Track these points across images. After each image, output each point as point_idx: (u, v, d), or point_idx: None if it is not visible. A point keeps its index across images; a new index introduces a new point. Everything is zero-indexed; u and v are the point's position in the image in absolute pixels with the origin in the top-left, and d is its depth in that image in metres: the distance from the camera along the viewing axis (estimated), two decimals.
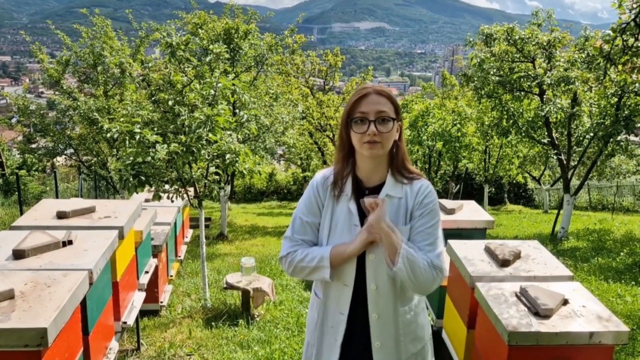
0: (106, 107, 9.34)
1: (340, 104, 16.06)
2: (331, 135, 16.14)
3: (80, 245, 2.50)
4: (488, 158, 15.01)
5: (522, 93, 9.64)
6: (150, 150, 3.91)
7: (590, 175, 13.15)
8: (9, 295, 1.89)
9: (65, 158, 11.35)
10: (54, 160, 12.08)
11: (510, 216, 15.17)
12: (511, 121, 9.98)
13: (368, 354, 1.71)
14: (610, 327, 2.01)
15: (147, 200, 5.29)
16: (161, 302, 4.44)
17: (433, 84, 21.51)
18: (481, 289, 2.36)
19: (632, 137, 9.32)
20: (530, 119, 9.88)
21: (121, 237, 2.81)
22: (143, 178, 3.93)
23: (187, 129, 4.24)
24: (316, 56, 16.64)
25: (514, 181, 19.68)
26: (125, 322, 3.00)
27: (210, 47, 5.62)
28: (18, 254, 2.31)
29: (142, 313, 4.06)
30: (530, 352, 2.02)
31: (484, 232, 3.68)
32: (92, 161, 10.66)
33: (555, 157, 9.76)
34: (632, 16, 4.52)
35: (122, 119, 4.76)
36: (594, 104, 8.98)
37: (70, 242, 2.49)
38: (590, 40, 8.36)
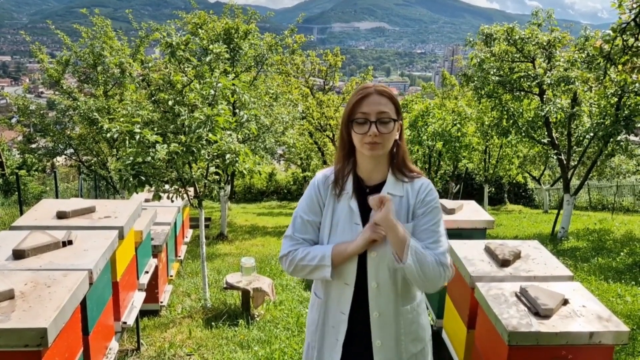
0: (106, 107, 9.34)
1: (340, 104, 16.05)
2: (331, 135, 16.14)
3: (80, 245, 2.50)
4: (488, 158, 15.01)
5: (522, 93, 9.63)
6: (150, 150, 3.91)
7: (590, 175, 13.15)
8: (9, 295, 1.89)
9: (65, 158, 11.36)
10: (54, 160, 12.09)
11: (510, 216, 15.17)
12: (511, 121, 9.98)
13: (369, 354, 1.71)
14: (610, 327, 2.02)
15: (147, 200, 5.29)
16: (161, 302, 4.44)
17: (433, 84, 21.50)
18: (481, 289, 2.36)
19: (632, 137, 9.32)
20: (530, 118, 9.88)
21: (121, 237, 2.81)
22: (143, 178, 3.93)
23: (187, 129, 4.24)
24: (316, 56, 16.63)
25: (514, 181, 19.68)
26: (125, 322, 3.00)
27: (210, 47, 5.62)
28: (18, 254, 2.31)
29: (142, 313, 4.06)
30: (530, 352, 2.02)
31: (484, 232, 3.68)
32: (92, 161, 10.66)
33: (555, 157, 9.76)
34: (632, 16, 4.52)
35: (122, 119, 4.76)
36: (594, 104, 8.98)
37: (70, 242, 2.49)
38: (590, 40, 8.35)
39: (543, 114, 8.85)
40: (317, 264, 1.67)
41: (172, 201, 4.47)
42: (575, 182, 10.95)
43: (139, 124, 4.10)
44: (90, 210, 3.04)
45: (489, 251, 2.80)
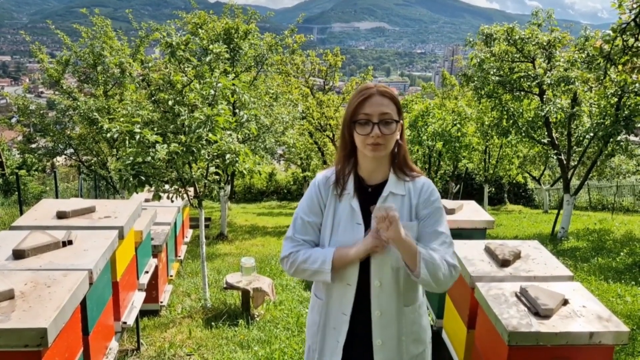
0: (106, 107, 9.34)
1: (340, 104, 16.04)
2: (331, 135, 16.13)
3: (80, 245, 2.50)
4: (488, 158, 15.01)
5: (522, 93, 9.63)
6: (150, 150, 3.91)
7: (590, 175, 13.15)
8: (9, 295, 1.89)
9: (65, 158, 11.36)
10: (54, 160, 12.08)
11: (510, 216, 15.18)
12: (511, 121, 9.98)
13: (370, 355, 1.71)
14: (610, 327, 2.02)
15: (147, 200, 5.29)
16: (161, 302, 4.44)
17: (433, 84, 21.49)
18: (481, 289, 2.36)
19: (632, 137, 9.33)
20: (530, 119, 9.88)
21: (121, 237, 2.81)
22: (143, 178, 3.93)
23: (187, 129, 4.24)
24: (316, 56, 16.62)
25: (514, 181, 19.68)
26: (125, 322, 3.00)
27: (210, 47, 5.62)
28: (18, 254, 2.31)
29: (142, 313, 4.06)
30: (530, 352, 2.02)
31: (484, 232, 3.68)
32: (92, 161, 10.66)
33: (555, 157, 9.76)
34: (632, 16, 4.52)
35: (122, 119, 4.76)
36: (594, 104, 8.98)
37: (70, 242, 2.49)
38: (590, 40, 8.35)
39: (543, 114, 8.85)
40: (318, 269, 1.67)
41: (172, 201, 4.47)
42: (575, 182, 10.95)
43: (139, 124, 4.10)
44: (90, 210, 3.04)
45: (489, 251, 2.80)
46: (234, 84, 4.71)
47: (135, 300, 3.31)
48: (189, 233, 7.02)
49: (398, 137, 1.69)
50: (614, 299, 5.24)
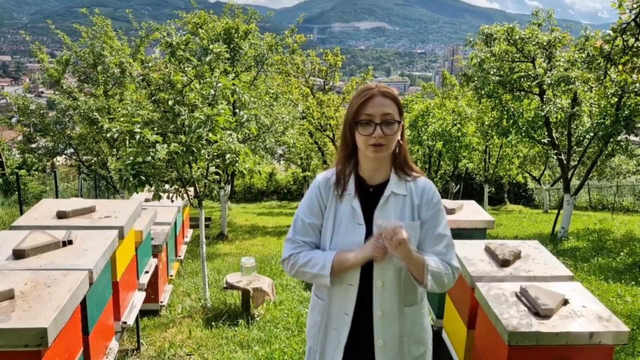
0: (106, 106, 9.34)
1: (341, 104, 16.04)
2: (331, 135, 16.13)
3: (80, 245, 2.50)
4: (488, 158, 15.01)
5: (522, 93, 9.63)
6: (150, 150, 3.91)
7: (590, 175, 13.14)
8: (9, 295, 1.89)
9: (65, 158, 11.36)
10: (54, 160, 12.08)
11: (510, 216, 15.17)
12: (511, 121, 9.98)
13: (371, 356, 1.71)
14: (611, 327, 2.01)
15: (147, 200, 5.29)
16: (161, 302, 4.44)
17: (433, 84, 21.47)
18: (481, 289, 2.36)
19: (632, 137, 9.32)
20: (530, 118, 9.88)
21: (121, 237, 2.81)
22: (143, 178, 3.93)
23: (187, 128, 4.24)
24: (316, 56, 16.61)
25: (514, 181, 19.68)
26: (125, 322, 3.00)
27: (210, 46, 5.61)
28: (18, 254, 2.31)
29: (142, 313, 4.06)
30: (531, 352, 2.02)
31: (484, 232, 3.68)
32: (92, 161, 10.67)
33: (555, 157, 9.76)
34: (633, 16, 4.51)
35: (122, 119, 4.76)
36: (594, 104, 8.98)
37: (70, 242, 2.49)
38: (591, 40, 8.35)
39: (543, 114, 8.85)
40: (317, 273, 1.68)
41: (172, 201, 4.47)
42: (575, 182, 10.95)
43: (139, 124, 4.10)
44: (91, 210, 3.04)
45: (489, 251, 2.80)
46: (234, 84, 4.71)
47: (135, 300, 3.31)
48: (189, 233, 7.02)
49: (399, 137, 1.69)
50: (614, 299, 5.24)
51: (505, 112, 9.95)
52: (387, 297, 1.69)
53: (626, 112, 8.19)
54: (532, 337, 1.99)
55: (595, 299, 2.27)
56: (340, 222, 1.71)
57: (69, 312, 1.94)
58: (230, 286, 4.42)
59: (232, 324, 4.19)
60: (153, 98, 4.98)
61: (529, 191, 21.57)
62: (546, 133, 9.66)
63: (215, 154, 4.31)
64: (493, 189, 20.17)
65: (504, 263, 2.63)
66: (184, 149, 4.00)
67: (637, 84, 7.51)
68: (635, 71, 5.81)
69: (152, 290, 4.21)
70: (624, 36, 4.74)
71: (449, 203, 3.82)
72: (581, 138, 9.35)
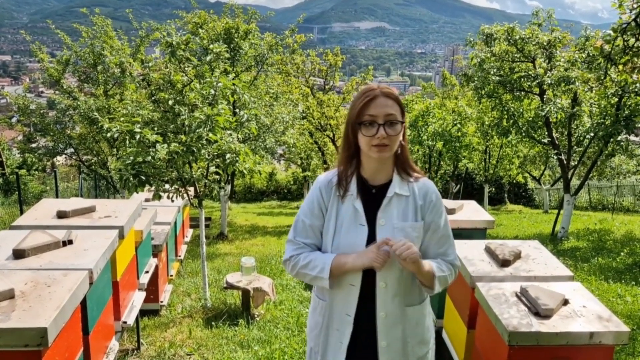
0: (106, 106, 9.35)
1: (341, 104, 16.03)
2: (331, 135, 16.13)
3: (80, 244, 2.50)
4: (488, 158, 15.00)
5: (523, 93, 9.63)
6: (151, 149, 3.91)
7: (591, 175, 13.14)
8: (9, 295, 1.89)
9: (65, 157, 11.37)
10: (54, 159, 12.09)
11: (511, 216, 15.17)
12: (511, 121, 9.98)
13: (374, 356, 1.70)
14: (611, 327, 2.01)
15: (147, 200, 5.29)
16: (161, 302, 4.44)
17: (433, 84, 21.46)
18: (481, 289, 2.36)
19: (632, 137, 9.32)
20: (531, 118, 9.87)
21: (121, 236, 2.81)
22: (143, 178, 3.93)
23: (187, 128, 4.24)
24: (316, 56, 16.61)
25: (514, 181, 19.68)
26: (125, 322, 3.00)
27: (211, 46, 5.61)
28: (18, 254, 2.31)
29: (142, 313, 4.06)
30: (531, 352, 2.02)
31: (484, 232, 3.68)
32: (92, 161, 10.67)
33: (555, 157, 9.75)
34: (633, 16, 4.51)
35: (122, 119, 4.76)
36: (594, 104, 8.98)
37: (70, 242, 2.49)
38: (591, 40, 8.35)
39: (543, 114, 8.85)
40: (317, 275, 1.68)
41: (172, 201, 4.47)
42: (575, 182, 10.95)
43: (139, 124, 4.10)
44: (91, 209, 3.04)
45: (489, 251, 2.80)
46: (234, 84, 4.71)
47: (136, 300, 3.31)
48: (189, 233, 7.02)
49: (401, 138, 1.69)
50: (614, 299, 5.23)
51: (505, 112, 9.95)
52: (390, 298, 1.69)
53: (626, 112, 8.18)
54: (532, 337, 1.99)
55: (595, 299, 2.27)
56: (342, 222, 1.71)
57: (69, 311, 1.94)
58: (231, 286, 4.42)
59: (232, 324, 4.19)
60: (153, 98, 4.98)
61: (529, 191, 21.56)
62: (546, 133, 9.66)
63: (216, 153, 4.31)
64: (493, 189, 20.17)
65: (504, 263, 2.63)
66: (184, 149, 4.00)
67: (638, 84, 7.51)
68: (636, 71, 5.81)
69: (152, 290, 4.21)
70: (624, 36, 4.74)
71: (449, 203, 3.82)
72: (581, 138, 9.35)
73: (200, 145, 4.07)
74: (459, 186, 17.98)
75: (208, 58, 5.34)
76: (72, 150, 10.49)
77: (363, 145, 1.67)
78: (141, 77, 5.80)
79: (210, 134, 4.09)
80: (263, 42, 9.68)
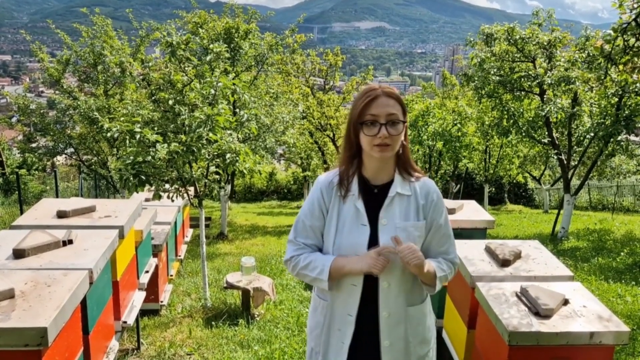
0: (106, 106, 9.35)
1: (341, 104, 16.02)
2: (331, 135, 16.13)
3: (80, 244, 2.50)
4: (488, 158, 15.00)
5: (523, 93, 9.63)
6: (151, 149, 3.90)
7: (591, 175, 13.14)
8: (9, 295, 1.89)
9: (65, 157, 11.37)
10: (54, 159, 12.09)
11: (511, 216, 15.17)
12: (511, 121, 9.98)
13: (377, 356, 1.70)
14: (611, 327, 2.01)
15: (147, 200, 5.29)
16: (161, 302, 4.44)
17: (433, 84, 21.45)
18: (481, 289, 2.36)
19: (632, 137, 9.32)
20: (531, 118, 9.87)
21: (121, 236, 2.81)
22: (143, 177, 3.93)
23: (187, 128, 4.24)
24: (316, 55, 16.60)
25: (514, 181, 19.68)
26: (125, 322, 3.00)
27: (211, 46, 5.61)
28: (18, 253, 2.31)
29: (142, 312, 4.06)
30: (531, 352, 2.02)
31: (484, 232, 3.68)
32: (92, 160, 10.68)
33: (555, 157, 9.75)
34: (633, 16, 4.51)
35: (122, 119, 4.76)
36: (595, 104, 8.98)
37: (70, 242, 2.49)
38: (591, 40, 8.34)
39: (543, 114, 8.84)
40: (316, 277, 1.69)
41: (173, 200, 4.47)
42: (575, 182, 10.95)
43: (139, 124, 4.10)
44: (91, 209, 3.04)
45: (489, 251, 2.80)
46: (234, 84, 4.71)
47: (136, 300, 3.31)
48: (189, 232, 7.02)
49: (403, 137, 1.69)
50: (614, 299, 5.23)
51: (505, 112, 9.94)
52: (393, 298, 1.69)
53: (626, 112, 8.18)
54: (532, 337, 1.99)
55: (595, 299, 2.27)
56: (344, 222, 1.71)
57: (69, 311, 1.94)
58: (231, 286, 4.42)
59: (232, 324, 4.19)
60: (153, 98, 4.97)
61: (529, 191, 21.56)
62: (546, 133, 9.66)
63: (216, 153, 4.31)
64: (493, 189, 20.17)
65: (504, 263, 2.63)
66: (184, 149, 4.00)
67: (638, 84, 7.51)
68: (636, 71, 5.80)
69: (152, 289, 4.21)
70: (624, 36, 4.73)
71: (450, 203, 3.82)
72: (581, 138, 9.35)
73: (200, 145, 4.07)
74: (459, 186, 17.98)
75: (208, 58, 5.33)
76: (72, 150, 10.50)
77: (365, 145, 1.66)
78: (141, 77, 5.79)
79: (211, 134, 4.09)
80: (263, 42, 9.68)
